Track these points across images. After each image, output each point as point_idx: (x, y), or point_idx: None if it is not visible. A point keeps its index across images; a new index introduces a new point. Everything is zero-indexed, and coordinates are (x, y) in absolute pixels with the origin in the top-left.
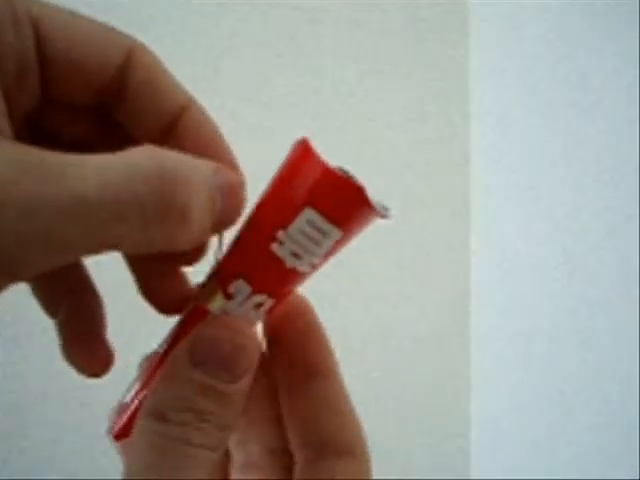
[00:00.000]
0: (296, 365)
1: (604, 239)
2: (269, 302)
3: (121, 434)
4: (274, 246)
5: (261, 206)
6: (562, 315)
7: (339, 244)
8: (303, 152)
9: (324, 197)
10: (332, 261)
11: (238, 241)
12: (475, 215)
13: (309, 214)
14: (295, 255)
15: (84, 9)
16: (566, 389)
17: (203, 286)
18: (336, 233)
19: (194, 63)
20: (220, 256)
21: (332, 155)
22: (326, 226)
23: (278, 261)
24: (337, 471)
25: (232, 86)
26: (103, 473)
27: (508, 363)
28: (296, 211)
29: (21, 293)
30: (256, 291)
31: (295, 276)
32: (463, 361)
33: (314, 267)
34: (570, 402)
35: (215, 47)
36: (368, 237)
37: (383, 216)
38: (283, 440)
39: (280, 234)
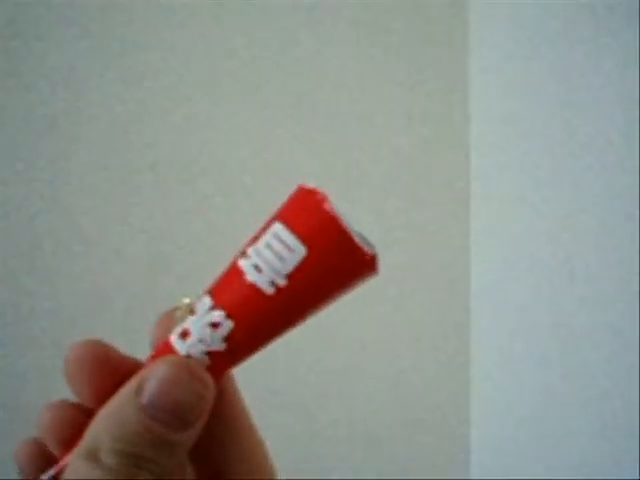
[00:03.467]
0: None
1: (604, 239)
2: (227, 325)
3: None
4: (240, 260)
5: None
6: (562, 315)
7: (306, 268)
8: (296, 190)
9: (292, 211)
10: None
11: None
12: (475, 215)
13: (277, 228)
14: (256, 268)
15: (85, 9)
16: (566, 389)
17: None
18: (300, 249)
19: (194, 63)
20: None
21: (332, 155)
22: (290, 240)
23: (239, 274)
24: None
25: (232, 86)
26: None
27: (508, 363)
28: (267, 227)
29: (21, 292)
30: (216, 305)
31: (255, 294)
32: (463, 361)
33: (278, 291)
34: (570, 402)
35: (215, 47)
36: (368, 237)
37: (358, 247)
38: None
39: (249, 249)
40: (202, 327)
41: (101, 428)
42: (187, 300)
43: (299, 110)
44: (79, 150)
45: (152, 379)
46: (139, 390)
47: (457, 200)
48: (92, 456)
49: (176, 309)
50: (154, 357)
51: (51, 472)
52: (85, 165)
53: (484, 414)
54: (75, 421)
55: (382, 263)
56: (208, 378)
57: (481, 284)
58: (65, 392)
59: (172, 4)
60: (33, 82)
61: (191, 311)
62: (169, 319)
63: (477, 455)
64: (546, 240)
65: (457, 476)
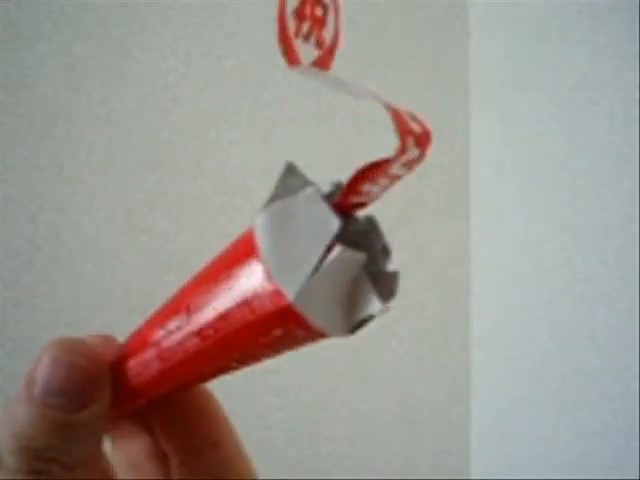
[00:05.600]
0: None
1: (604, 239)
2: None
3: None
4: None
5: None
6: (562, 315)
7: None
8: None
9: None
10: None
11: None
12: (475, 215)
13: None
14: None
15: (82, 7)
16: (566, 389)
17: None
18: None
19: (194, 63)
20: None
21: (332, 155)
22: None
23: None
24: (214, 462)
25: (232, 86)
26: None
27: (508, 363)
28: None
29: (21, 292)
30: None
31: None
32: (463, 361)
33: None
34: (570, 402)
35: (215, 47)
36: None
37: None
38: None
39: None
40: None
41: (0, 430)
42: None
43: (299, 110)
44: (79, 150)
45: (39, 367)
46: (30, 382)
47: (457, 200)
48: None
49: None
50: None
51: None
52: (85, 165)
53: (484, 414)
54: None
55: None
56: (94, 353)
57: (481, 284)
58: None
59: (172, 4)
60: (33, 82)
61: None
62: None
63: (477, 455)
64: (546, 240)
65: (457, 476)
